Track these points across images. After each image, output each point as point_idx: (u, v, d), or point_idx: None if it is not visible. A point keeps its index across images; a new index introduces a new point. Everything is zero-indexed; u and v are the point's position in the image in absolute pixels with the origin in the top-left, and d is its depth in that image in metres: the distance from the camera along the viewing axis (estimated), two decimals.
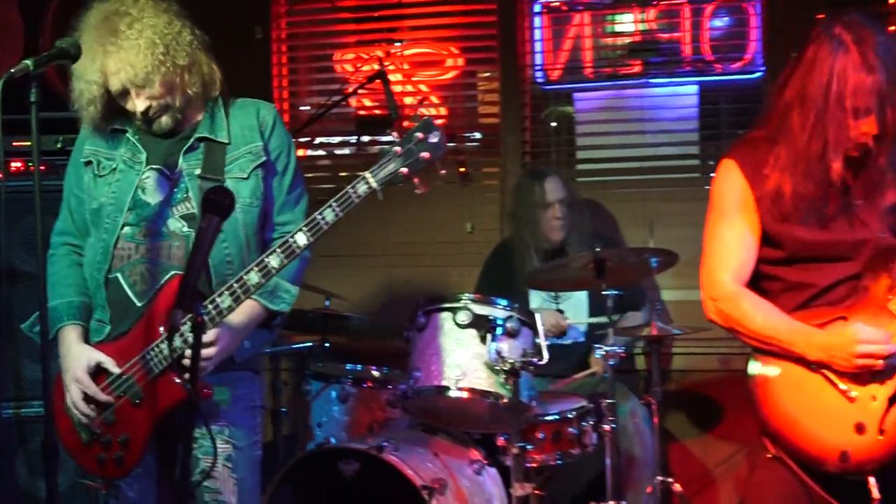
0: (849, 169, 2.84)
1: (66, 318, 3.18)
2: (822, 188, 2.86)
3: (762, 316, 2.89)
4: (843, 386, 2.79)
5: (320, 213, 2.95)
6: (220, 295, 2.98)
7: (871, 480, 2.78)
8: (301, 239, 2.97)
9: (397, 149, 2.93)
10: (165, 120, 3.18)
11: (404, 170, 2.93)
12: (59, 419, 3.17)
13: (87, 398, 3.07)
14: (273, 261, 2.97)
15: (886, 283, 2.84)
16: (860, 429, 2.76)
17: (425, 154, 2.93)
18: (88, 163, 3.30)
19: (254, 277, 2.98)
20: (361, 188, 2.94)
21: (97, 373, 3.09)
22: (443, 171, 3.00)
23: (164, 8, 3.17)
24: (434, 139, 2.94)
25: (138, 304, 3.10)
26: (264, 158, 3.23)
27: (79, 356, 3.10)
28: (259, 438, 3.29)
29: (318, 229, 2.96)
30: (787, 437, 2.84)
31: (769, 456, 2.90)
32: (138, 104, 3.13)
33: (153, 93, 3.11)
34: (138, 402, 3.06)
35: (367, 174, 2.94)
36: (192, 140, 3.22)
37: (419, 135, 2.94)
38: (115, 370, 3.07)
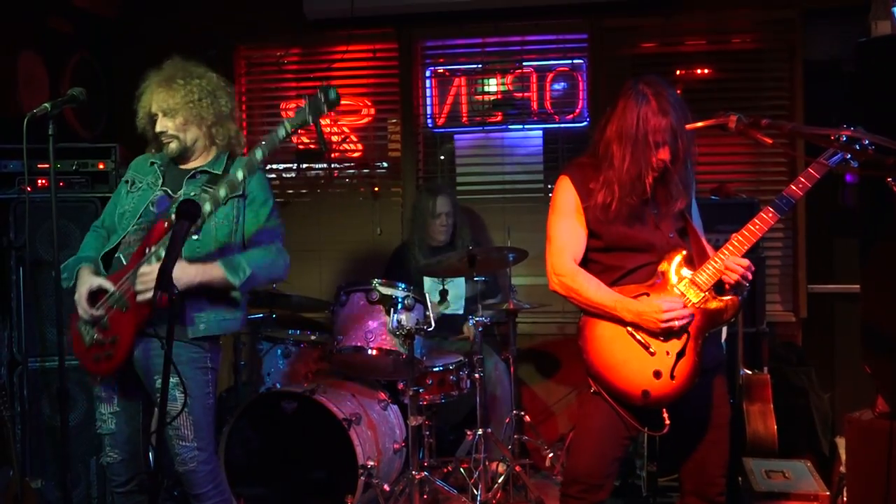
0: (655, 184, 2.85)
1: (84, 263, 3.18)
2: (640, 199, 2.86)
3: (593, 288, 2.86)
4: (645, 343, 2.80)
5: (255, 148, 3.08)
6: (203, 203, 2.97)
7: (664, 412, 2.81)
8: (258, 154, 3.06)
9: (302, 101, 3.00)
10: (173, 146, 3.21)
11: (310, 117, 2.97)
12: (73, 330, 3.19)
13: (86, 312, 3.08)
14: (238, 174, 3.05)
15: (676, 271, 2.85)
16: (657, 375, 2.77)
17: (323, 108, 2.97)
18: (127, 181, 3.30)
19: (223, 191, 3.02)
20: (281, 132, 3.02)
21: (99, 291, 3.07)
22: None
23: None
24: (332, 96, 2.98)
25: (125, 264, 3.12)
26: (241, 192, 3.20)
27: (84, 281, 3.10)
28: (210, 390, 3.17)
29: (273, 146, 3.07)
30: (605, 377, 2.83)
31: (592, 391, 2.88)
32: (158, 126, 3.18)
33: (172, 123, 3.16)
34: (125, 309, 3.03)
35: (285, 121, 3.01)
36: (193, 171, 3.22)
37: (321, 95, 2.97)
38: (111, 288, 3.05)
